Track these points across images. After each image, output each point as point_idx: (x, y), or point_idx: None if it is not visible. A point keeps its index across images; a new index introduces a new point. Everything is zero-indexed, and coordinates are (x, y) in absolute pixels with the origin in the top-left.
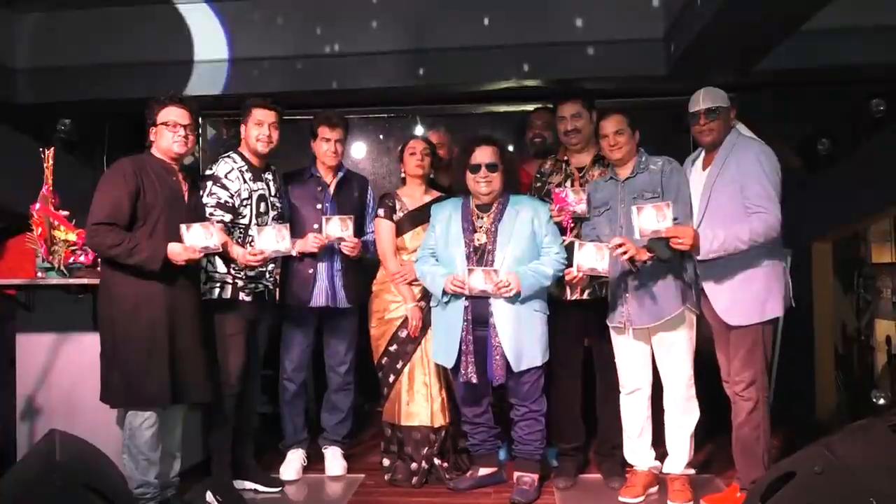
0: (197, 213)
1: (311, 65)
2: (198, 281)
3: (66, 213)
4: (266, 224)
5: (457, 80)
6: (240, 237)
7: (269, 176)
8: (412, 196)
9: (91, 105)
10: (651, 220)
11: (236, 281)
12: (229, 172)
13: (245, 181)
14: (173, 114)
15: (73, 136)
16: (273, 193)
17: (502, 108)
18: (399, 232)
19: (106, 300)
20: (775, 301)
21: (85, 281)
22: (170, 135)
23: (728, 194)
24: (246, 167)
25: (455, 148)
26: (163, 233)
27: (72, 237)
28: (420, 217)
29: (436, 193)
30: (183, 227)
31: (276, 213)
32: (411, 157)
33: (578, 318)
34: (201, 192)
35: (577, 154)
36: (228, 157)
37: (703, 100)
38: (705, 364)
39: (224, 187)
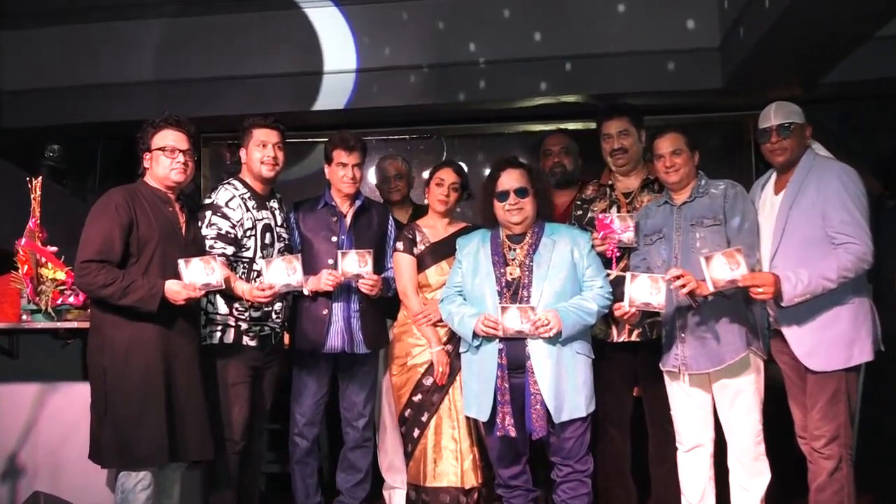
0: (196, 247)
1: (319, 81)
2: (197, 323)
3: (54, 249)
4: (271, 257)
5: (487, 97)
6: (243, 272)
7: (274, 204)
8: (434, 227)
9: (82, 129)
10: (723, 269)
11: (239, 323)
12: (230, 200)
13: (248, 210)
14: (170, 137)
15: (62, 164)
16: (279, 223)
17: (538, 128)
18: (420, 267)
19: (97, 346)
20: (863, 344)
21: (75, 325)
22: (167, 161)
23: (807, 222)
24: (249, 194)
25: (414, 179)
26: (158, 269)
27: (60, 276)
28: (443, 250)
29: (460, 224)
30: (181, 262)
31: (282, 244)
32: (437, 188)
33: (627, 363)
34: (200, 223)
35: (623, 178)
36: (229, 184)
37: (776, 115)
38: (776, 416)
39: (225, 217)
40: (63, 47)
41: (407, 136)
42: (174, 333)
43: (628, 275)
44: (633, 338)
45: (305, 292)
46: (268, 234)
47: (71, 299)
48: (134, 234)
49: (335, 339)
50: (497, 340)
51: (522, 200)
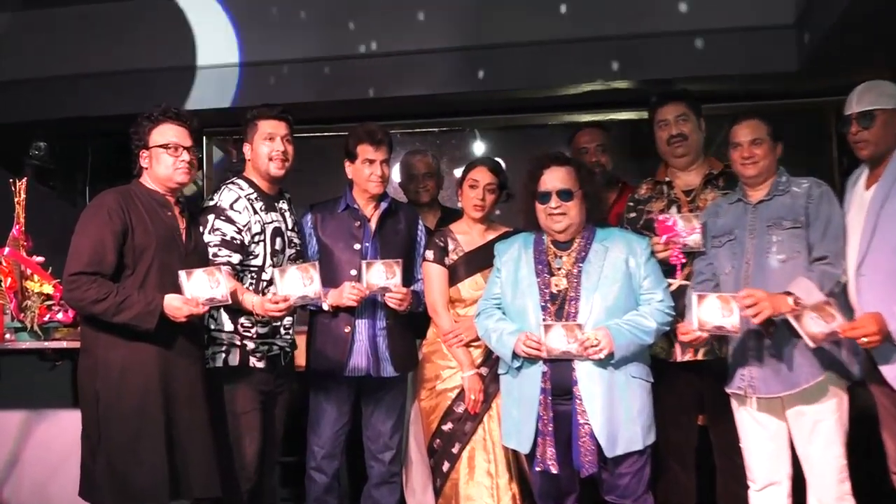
0: (198, 256)
1: (342, 68)
2: (201, 343)
3: (40, 259)
4: (282, 265)
5: (526, 84)
6: (251, 283)
7: (283, 205)
8: (469, 234)
9: (71, 124)
10: (817, 324)
11: (245, 342)
12: (235, 202)
13: (256, 212)
14: (171, 133)
15: (49, 163)
16: (290, 227)
17: (585, 118)
18: (453, 280)
19: (88, 368)
20: None
21: (64, 344)
22: (169, 160)
23: None
24: (256, 195)
25: (444, 179)
26: (156, 282)
27: (48, 289)
28: (479, 260)
29: (499, 229)
30: (182, 274)
31: (293, 251)
32: (471, 190)
33: (692, 386)
34: (202, 229)
35: (682, 173)
36: (233, 183)
37: (858, 101)
38: (865, 448)
39: (230, 221)
40: (49, 32)
41: (436, 130)
42: (175, 354)
43: (694, 296)
44: (699, 357)
45: (325, 307)
46: (278, 239)
47: (59, 316)
48: (129, 243)
49: (359, 361)
50: (540, 362)
51: (566, 204)
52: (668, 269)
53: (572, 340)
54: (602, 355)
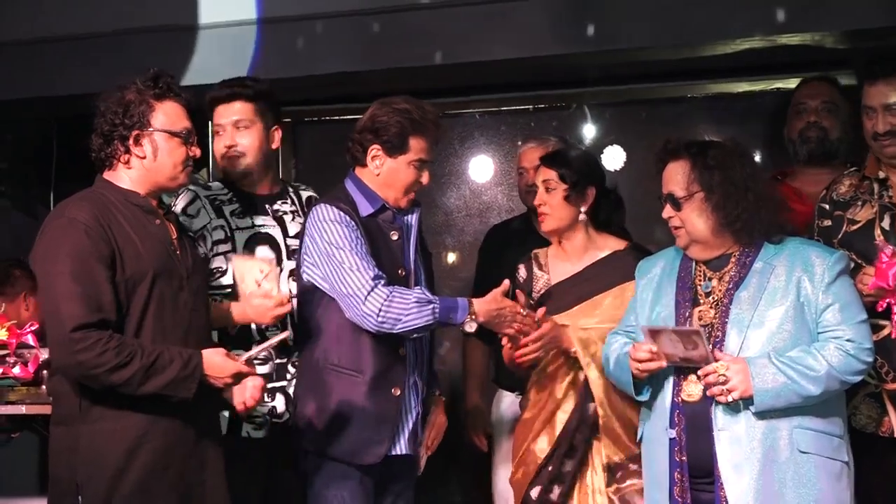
0: (201, 278)
1: (395, 24)
2: (217, 413)
3: None
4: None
5: (653, 43)
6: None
7: (284, 206)
8: (565, 256)
9: (27, 106)
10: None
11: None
12: (189, 205)
13: (221, 215)
14: (178, 113)
15: None
16: (294, 234)
17: (737, 88)
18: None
19: (64, 447)
20: None
21: (23, 410)
22: (181, 152)
23: None
24: (230, 195)
25: None
26: (154, 326)
27: (1, 334)
28: (574, 292)
29: (611, 246)
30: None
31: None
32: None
33: None
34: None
35: None
36: (195, 184)
37: None
38: None
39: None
40: None
41: (530, 107)
42: (198, 428)
43: None
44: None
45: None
46: (262, 248)
47: (16, 370)
48: (119, 273)
49: (403, 440)
50: (667, 427)
51: (679, 214)
52: (871, 311)
53: (690, 348)
54: (732, 397)
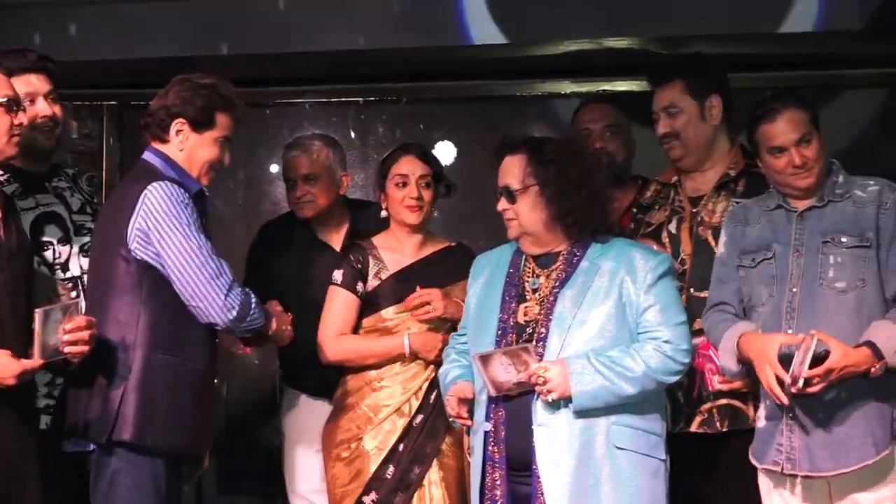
0: (24, 260)
1: (224, 9)
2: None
3: None
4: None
5: (485, 41)
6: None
7: (61, 182)
8: (399, 249)
9: None
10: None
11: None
12: None
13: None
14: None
15: None
16: (77, 209)
17: (568, 88)
18: (372, 308)
19: None
20: None
21: None
22: (6, 120)
23: None
24: (7, 176)
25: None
26: None
27: None
28: (413, 282)
29: (443, 243)
30: (38, 312)
31: (87, 238)
32: (399, 190)
33: (708, 468)
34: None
35: (691, 174)
36: None
37: None
38: None
39: None
40: None
41: (360, 99)
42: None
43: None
44: (723, 427)
45: None
46: (50, 228)
47: None
48: None
49: None
50: (484, 419)
51: (512, 206)
52: None
53: (520, 367)
54: (551, 398)
